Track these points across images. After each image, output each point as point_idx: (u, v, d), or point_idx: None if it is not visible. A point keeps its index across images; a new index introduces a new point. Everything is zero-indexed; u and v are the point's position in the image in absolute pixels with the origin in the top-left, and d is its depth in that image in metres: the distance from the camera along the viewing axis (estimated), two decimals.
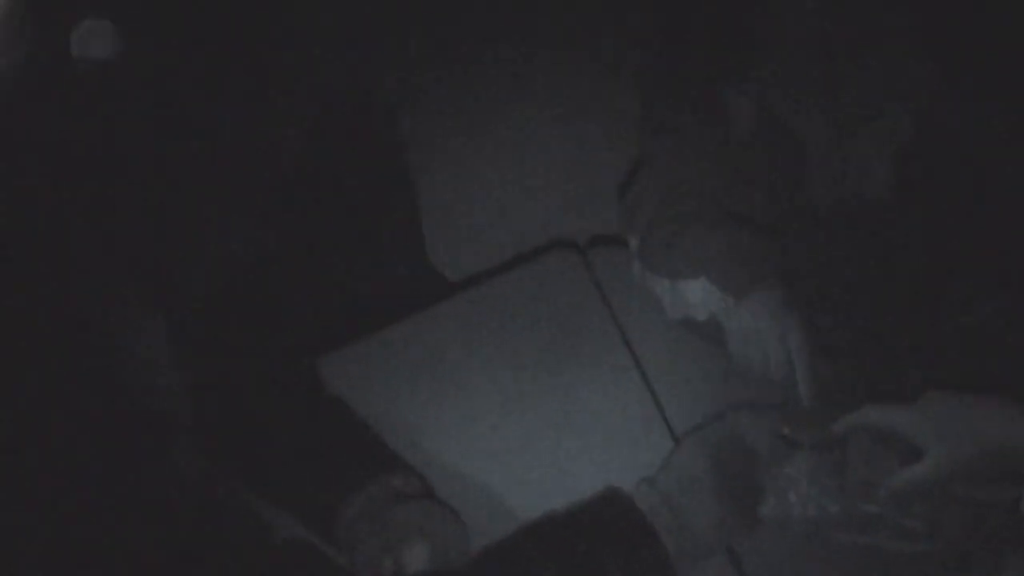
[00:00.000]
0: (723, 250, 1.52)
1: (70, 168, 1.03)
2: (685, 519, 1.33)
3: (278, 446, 1.44)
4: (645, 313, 1.68)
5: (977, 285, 1.52)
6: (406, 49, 2.02)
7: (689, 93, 1.68)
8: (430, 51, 2.00)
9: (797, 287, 1.50)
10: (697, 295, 1.54)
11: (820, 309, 1.52)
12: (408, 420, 1.60)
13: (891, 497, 1.33)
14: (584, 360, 1.66)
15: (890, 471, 1.33)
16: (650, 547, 1.31)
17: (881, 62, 1.54)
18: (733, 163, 1.63)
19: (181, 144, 1.05)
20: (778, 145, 1.62)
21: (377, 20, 1.93)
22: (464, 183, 2.06)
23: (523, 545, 1.31)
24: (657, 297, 1.64)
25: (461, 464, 1.56)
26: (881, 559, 1.39)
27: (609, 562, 1.28)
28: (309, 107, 1.16)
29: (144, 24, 1.04)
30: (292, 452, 1.45)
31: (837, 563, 1.42)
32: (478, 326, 1.71)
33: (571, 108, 2.05)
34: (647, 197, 1.65)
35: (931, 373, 1.43)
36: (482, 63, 2.04)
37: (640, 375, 1.62)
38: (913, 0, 1.52)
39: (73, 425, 1.04)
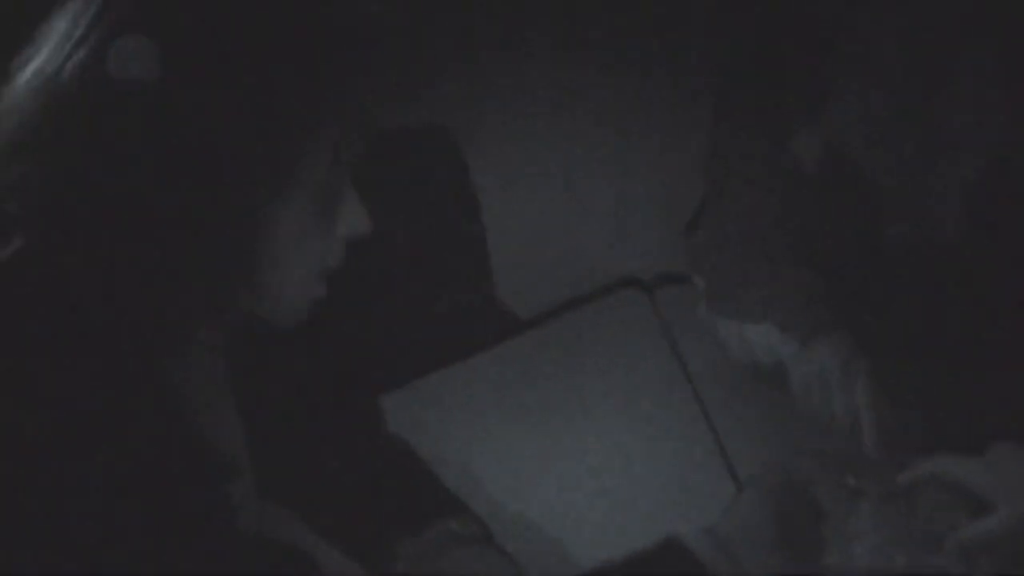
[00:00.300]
0: (789, 292, 1.50)
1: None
2: (744, 570, 1.30)
3: (335, 483, 1.44)
4: (711, 354, 1.66)
5: None
6: (472, 81, 2.03)
7: (759, 130, 1.66)
8: (495, 83, 2.01)
9: (865, 331, 1.48)
10: (762, 338, 1.52)
11: (888, 354, 1.49)
12: (468, 461, 1.59)
13: (959, 551, 1.30)
14: (647, 401, 1.65)
15: (959, 524, 1.30)
16: None
17: (955, 101, 1.52)
18: (802, 202, 1.61)
19: (231, 170, 1.03)
20: (848, 184, 1.60)
21: (444, 52, 1.94)
22: (531, 218, 2.06)
23: None
24: (723, 338, 1.62)
25: (519, 507, 1.55)
26: None
27: None
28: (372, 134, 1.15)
29: (188, 43, 1.02)
30: (349, 489, 1.45)
31: None
32: (542, 365, 1.71)
33: (640, 144, 2.05)
34: (714, 236, 1.64)
35: (1003, 424, 1.40)
36: (550, 93, 2.04)
37: (704, 418, 1.60)
38: (988, 38, 1.50)
39: (127, 459, 1.04)
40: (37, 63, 1.05)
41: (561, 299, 1.88)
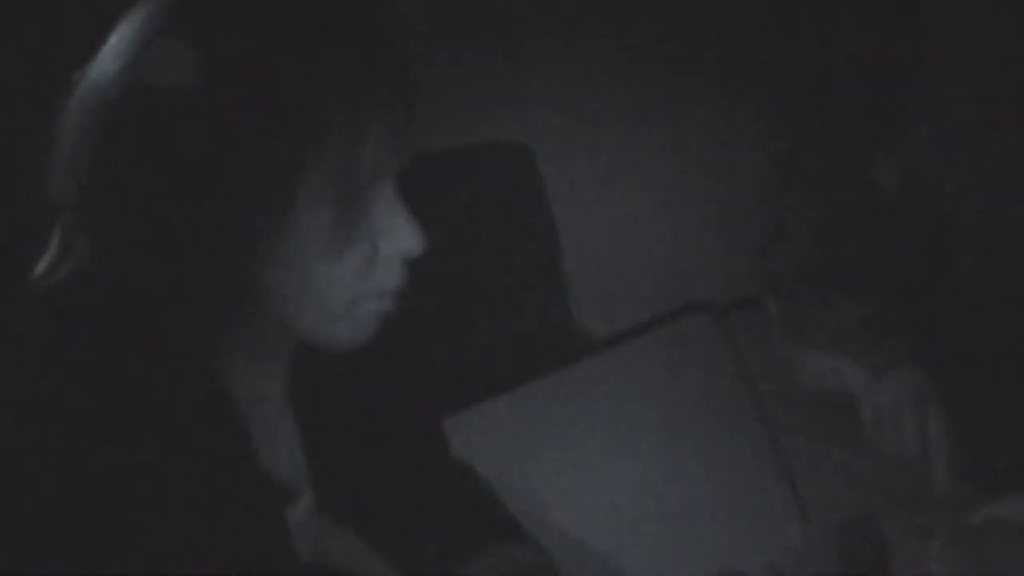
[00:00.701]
0: (862, 323, 1.48)
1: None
2: None
3: (396, 505, 1.43)
4: (783, 382, 1.64)
5: None
6: (534, 99, 2.02)
7: (836, 155, 1.64)
8: (558, 102, 2.00)
9: (939, 363, 1.45)
10: (834, 368, 1.50)
11: (962, 389, 1.46)
12: (531, 486, 1.58)
13: None
14: (715, 429, 1.63)
15: None
16: None
17: None
18: (878, 230, 1.59)
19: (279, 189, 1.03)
20: (926, 212, 1.57)
21: (499, 66, 1.94)
22: (602, 241, 2.05)
23: None
24: (794, 366, 1.60)
25: (582, 534, 1.53)
26: None
27: None
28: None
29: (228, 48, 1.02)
30: (413, 512, 1.44)
31: None
32: (609, 390, 1.69)
33: (713, 168, 2.03)
34: (786, 262, 1.62)
35: None
36: (618, 113, 2.04)
37: (772, 448, 1.58)
38: None
39: (186, 477, 1.04)
40: (91, 80, 1.06)
41: (631, 323, 1.87)
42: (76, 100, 1.05)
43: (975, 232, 1.54)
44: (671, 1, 1.97)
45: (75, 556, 0.99)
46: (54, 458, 1.01)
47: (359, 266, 1.07)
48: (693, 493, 1.56)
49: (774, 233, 1.70)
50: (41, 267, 1.09)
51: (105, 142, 1.02)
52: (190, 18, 1.02)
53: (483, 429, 1.62)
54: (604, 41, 2.01)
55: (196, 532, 1.03)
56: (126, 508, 1.01)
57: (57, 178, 1.05)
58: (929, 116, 1.56)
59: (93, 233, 1.05)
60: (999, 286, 1.52)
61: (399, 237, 1.09)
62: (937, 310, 1.53)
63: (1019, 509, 1.28)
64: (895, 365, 1.44)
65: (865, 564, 1.31)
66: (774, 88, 1.88)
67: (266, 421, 1.18)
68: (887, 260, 1.58)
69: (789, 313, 1.58)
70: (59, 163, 1.05)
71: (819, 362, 1.53)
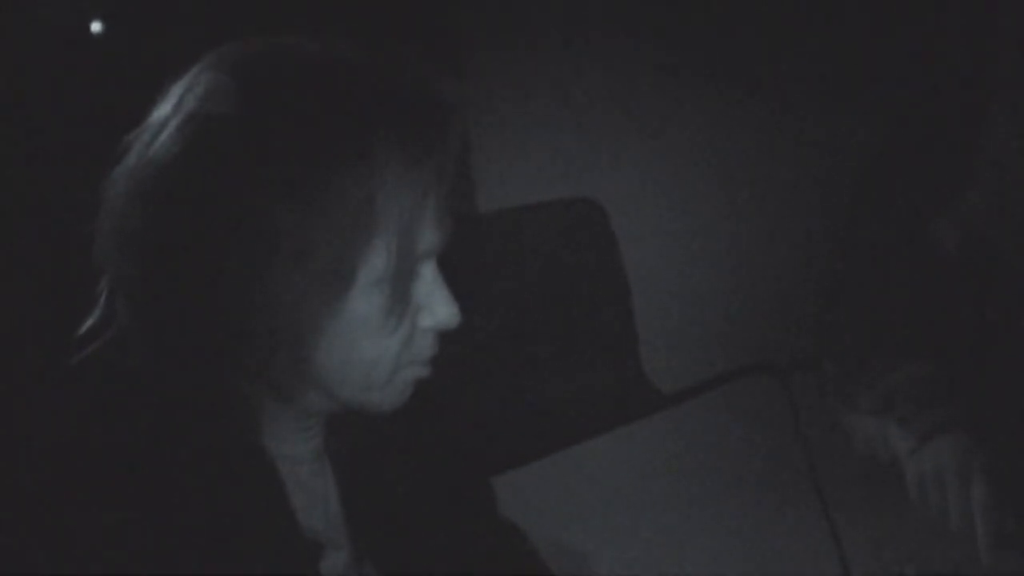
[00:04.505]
0: (909, 388, 1.45)
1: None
2: None
3: (439, 563, 1.43)
4: (839, 445, 1.62)
5: None
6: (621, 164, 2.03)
7: (894, 218, 1.62)
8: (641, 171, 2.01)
9: (987, 429, 1.42)
10: (881, 432, 1.48)
11: (1009, 456, 1.43)
12: (585, 547, 1.58)
13: None
14: (769, 489, 1.61)
15: None
16: None
17: None
18: (936, 292, 1.57)
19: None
20: (985, 274, 1.55)
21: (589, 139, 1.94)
22: (663, 296, 2.04)
23: None
24: (848, 429, 1.58)
25: None
26: None
27: None
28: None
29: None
30: (452, 570, 1.44)
31: None
32: (667, 448, 1.68)
33: (773, 228, 2.02)
34: (840, 324, 1.60)
35: None
36: (673, 161, 2.03)
37: (824, 515, 1.56)
38: None
39: (225, 531, 1.06)
40: (142, 145, 1.06)
41: (693, 380, 1.86)
42: (126, 165, 1.06)
43: None
44: (723, 68, 1.97)
45: None
46: (94, 514, 1.03)
47: (404, 340, 1.09)
48: (745, 551, 1.55)
49: (831, 293, 1.69)
50: (85, 328, 1.12)
51: (156, 210, 1.03)
52: (244, 90, 1.03)
53: (535, 488, 1.62)
54: (670, 99, 2.01)
55: None
56: (166, 565, 1.02)
57: (104, 243, 1.06)
58: (989, 176, 1.54)
59: (135, 299, 1.06)
60: None
61: (438, 311, 1.10)
62: (990, 374, 1.51)
63: None
64: (940, 431, 1.41)
65: None
66: (835, 148, 1.87)
67: (303, 477, 1.19)
68: (943, 322, 1.55)
69: (843, 374, 1.56)
70: (107, 228, 1.06)
71: (868, 425, 1.51)
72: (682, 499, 1.61)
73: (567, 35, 2.19)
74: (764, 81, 1.98)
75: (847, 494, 1.58)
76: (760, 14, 2.05)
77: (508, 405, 1.78)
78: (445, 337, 1.12)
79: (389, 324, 1.06)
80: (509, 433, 1.75)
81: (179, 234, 1.02)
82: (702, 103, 2.00)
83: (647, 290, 2.05)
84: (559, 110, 2.07)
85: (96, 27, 2.21)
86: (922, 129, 1.59)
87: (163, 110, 1.06)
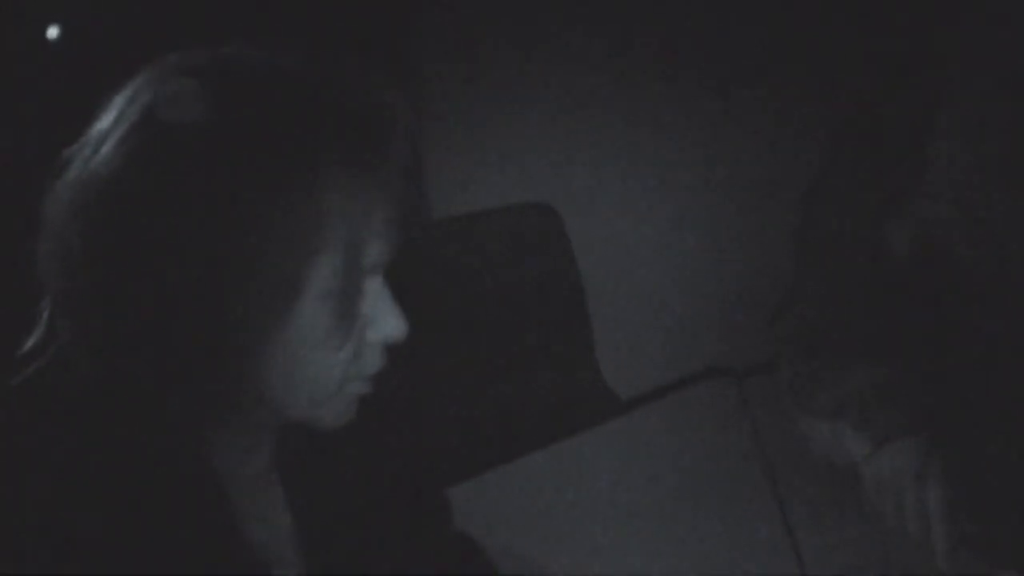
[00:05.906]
0: (863, 390, 1.45)
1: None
2: None
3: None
4: (795, 449, 1.62)
5: None
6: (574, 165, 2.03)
7: (846, 220, 1.62)
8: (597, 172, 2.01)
9: (945, 432, 1.42)
10: (836, 436, 1.48)
11: (967, 460, 1.43)
12: (535, 557, 1.57)
13: None
14: (726, 495, 1.61)
15: None
16: None
17: None
18: (888, 295, 1.57)
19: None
20: (937, 277, 1.55)
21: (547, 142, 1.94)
22: (620, 302, 2.04)
23: None
24: (805, 433, 1.58)
25: None
26: None
27: None
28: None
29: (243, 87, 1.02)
30: None
31: None
32: (622, 455, 1.68)
33: (728, 232, 2.02)
34: (794, 328, 1.60)
35: None
36: (648, 188, 2.04)
37: (782, 519, 1.56)
38: None
39: (172, 549, 1.05)
40: (82, 159, 1.04)
41: (650, 386, 1.86)
42: (67, 179, 1.04)
43: (986, 297, 1.52)
44: (691, 74, 1.98)
45: None
46: (35, 536, 1.02)
47: (351, 354, 1.08)
48: (702, 557, 1.55)
49: (786, 297, 1.69)
50: (27, 346, 1.10)
51: (98, 225, 1.01)
52: (187, 102, 1.02)
53: (491, 498, 1.62)
54: (622, 104, 2.02)
55: None
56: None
57: (46, 258, 1.05)
58: (940, 179, 1.54)
59: (78, 316, 1.05)
60: (1008, 353, 1.49)
61: (385, 324, 1.10)
62: (946, 377, 1.51)
63: None
64: (896, 435, 1.41)
65: None
66: (789, 152, 1.87)
67: (251, 492, 1.18)
68: (897, 325, 1.56)
69: (799, 378, 1.56)
70: (49, 244, 1.04)
71: (825, 428, 1.51)
72: (639, 505, 1.61)
73: (520, 40, 2.19)
74: (716, 84, 1.99)
75: (805, 498, 1.58)
76: (712, 17, 2.06)
77: (462, 415, 1.77)
78: (398, 347, 1.12)
79: (336, 338, 1.06)
80: (463, 443, 1.74)
81: (121, 250, 1.00)
82: (655, 108, 2.01)
83: (602, 295, 2.05)
84: (511, 115, 2.07)
85: (53, 33, 2.20)
86: (871, 132, 1.59)
87: (104, 122, 1.05)
